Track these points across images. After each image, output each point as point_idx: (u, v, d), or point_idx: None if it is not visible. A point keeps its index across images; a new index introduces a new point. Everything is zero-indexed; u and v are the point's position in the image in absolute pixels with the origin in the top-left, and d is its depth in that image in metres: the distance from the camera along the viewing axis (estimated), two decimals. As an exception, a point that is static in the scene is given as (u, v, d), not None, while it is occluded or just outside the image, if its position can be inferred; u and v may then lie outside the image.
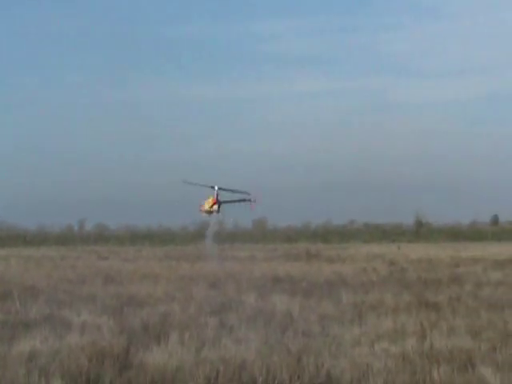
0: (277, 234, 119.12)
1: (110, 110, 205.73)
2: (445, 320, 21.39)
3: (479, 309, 23.47)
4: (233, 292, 29.04)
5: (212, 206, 42.81)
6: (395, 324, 20.72)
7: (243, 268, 43.20)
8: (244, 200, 42.42)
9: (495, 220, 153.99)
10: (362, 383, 14.58)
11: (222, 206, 42.89)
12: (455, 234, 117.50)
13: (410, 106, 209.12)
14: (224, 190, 42.74)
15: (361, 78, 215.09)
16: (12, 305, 24.76)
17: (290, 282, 34.15)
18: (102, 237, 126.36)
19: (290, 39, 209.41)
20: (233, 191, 42.64)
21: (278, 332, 19.50)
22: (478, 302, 25.35)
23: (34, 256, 62.75)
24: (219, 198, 42.77)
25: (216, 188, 42.50)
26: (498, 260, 49.06)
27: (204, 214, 43.79)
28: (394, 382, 14.53)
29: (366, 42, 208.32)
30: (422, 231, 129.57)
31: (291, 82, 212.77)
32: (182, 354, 16.38)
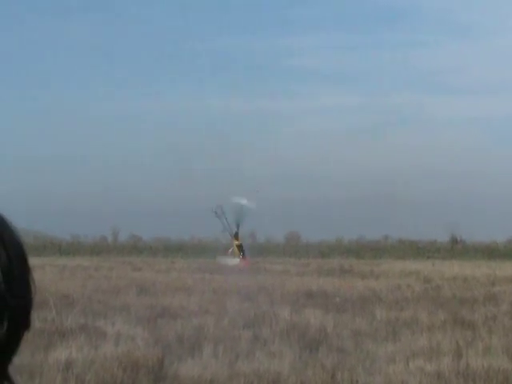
0: (309, 249, 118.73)
1: (145, 120, 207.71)
2: (481, 339, 21.15)
3: (516, 329, 23.18)
4: (266, 305, 28.99)
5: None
6: (430, 342, 20.53)
7: (276, 282, 43.11)
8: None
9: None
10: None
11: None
12: (491, 252, 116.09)
13: (443, 122, 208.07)
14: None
15: (392, 94, 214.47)
16: (48, 313, 24.97)
17: (324, 296, 34.00)
18: (135, 248, 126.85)
19: (321, 54, 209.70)
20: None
21: (312, 347, 19.43)
22: (515, 322, 25.02)
23: (69, 265, 63.18)
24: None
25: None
26: (535, 279, 48.41)
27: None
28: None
29: (397, 57, 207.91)
30: (456, 248, 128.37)
31: (321, 97, 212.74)
32: (215, 366, 16.40)
